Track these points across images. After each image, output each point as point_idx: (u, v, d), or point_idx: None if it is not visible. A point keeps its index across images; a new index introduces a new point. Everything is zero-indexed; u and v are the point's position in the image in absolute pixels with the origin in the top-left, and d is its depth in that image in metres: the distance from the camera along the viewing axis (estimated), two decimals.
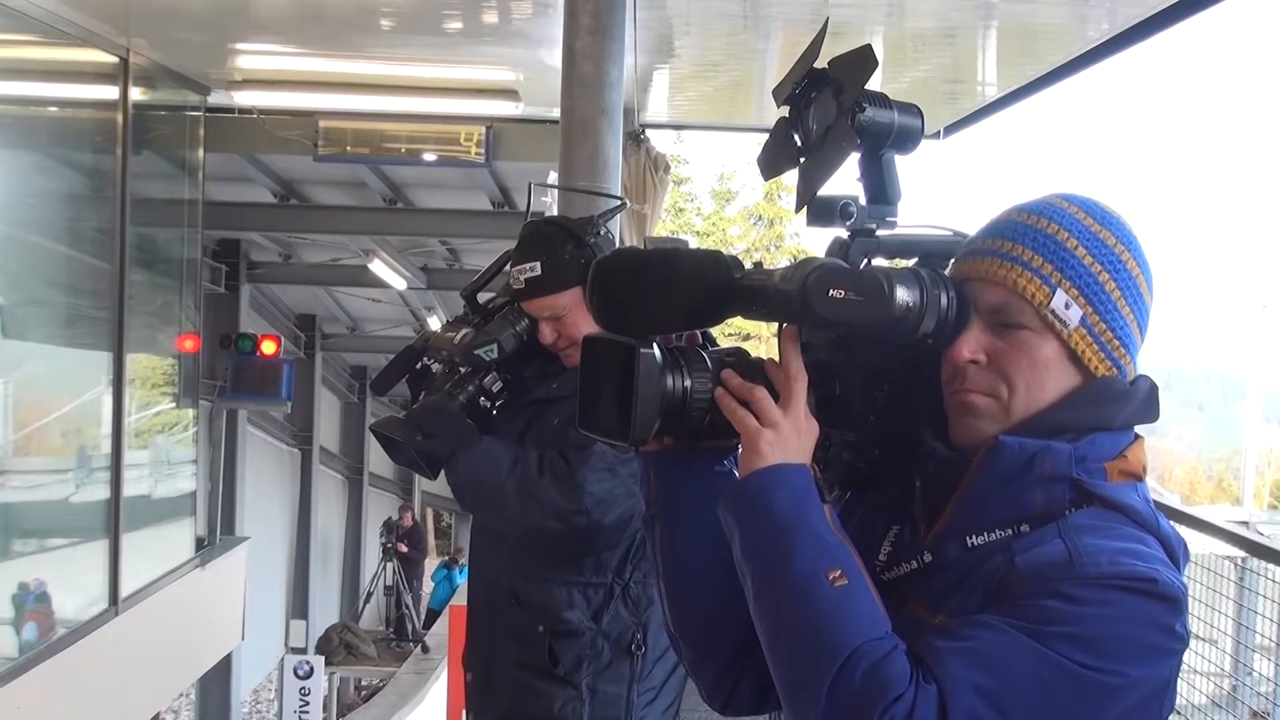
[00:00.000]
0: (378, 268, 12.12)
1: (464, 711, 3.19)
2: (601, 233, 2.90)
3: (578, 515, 2.72)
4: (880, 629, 1.39)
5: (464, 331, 2.90)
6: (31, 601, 7.28)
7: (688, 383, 1.50)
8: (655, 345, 1.49)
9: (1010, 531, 1.47)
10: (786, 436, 1.48)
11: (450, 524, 24.01)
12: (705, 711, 1.81)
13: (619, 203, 3.44)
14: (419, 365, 3.02)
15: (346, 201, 11.62)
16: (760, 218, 37.42)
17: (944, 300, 1.47)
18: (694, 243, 35.45)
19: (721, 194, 38.39)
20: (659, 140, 9.05)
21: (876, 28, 6.88)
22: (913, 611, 1.49)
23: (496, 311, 2.93)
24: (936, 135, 9.02)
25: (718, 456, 1.61)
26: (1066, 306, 1.48)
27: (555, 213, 4.36)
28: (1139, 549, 1.42)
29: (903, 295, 1.43)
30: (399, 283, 12.73)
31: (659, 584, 1.68)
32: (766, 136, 1.55)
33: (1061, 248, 1.49)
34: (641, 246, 2.96)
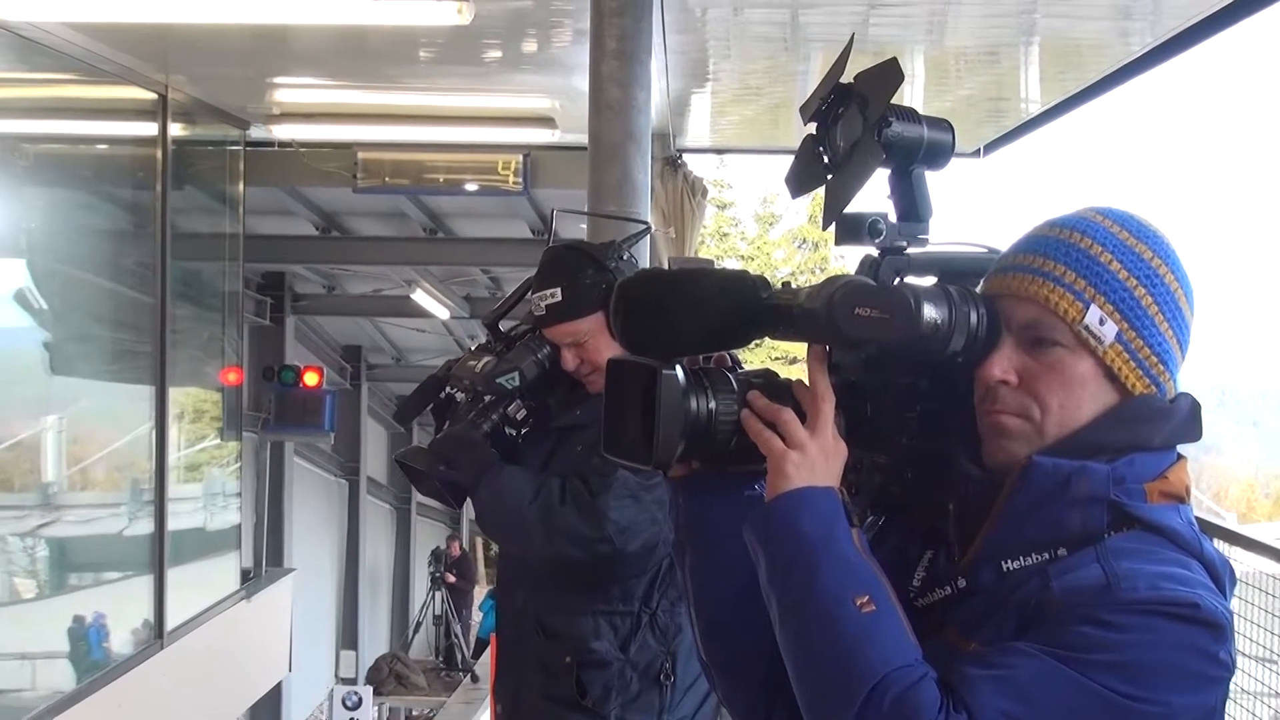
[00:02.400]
0: (420, 297, 12.15)
1: None
2: (624, 257, 2.87)
3: (601, 543, 2.69)
4: (909, 656, 1.35)
5: (486, 360, 2.88)
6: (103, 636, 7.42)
7: (713, 404, 1.47)
8: (679, 367, 1.46)
9: (1046, 555, 1.42)
10: (813, 459, 1.44)
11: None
12: None
13: (644, 227, 3.41)
14: (443, 394, 2.99)
15: (387, 232, 11.70)
16: (805, 241, 37.32)
17: (973, 317, 1.43)
18: (733, 265, 35.42)
19: (765, 218, 38.32)
20: (701, 165, 9.04)
21: (917, 47, 6.84)
22: (948, 639, 1.44)
23: (519, 339, 2.91)
24: (976, 154, 8.94)
25: (747, 480, 1.56)
26: (1101, 323, 1.43)
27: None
28: (1181, 573, 1.37)
29: (930, 313, 1.39)
30: (442, 312, 12.76)
31: (689, 610, 1.64)
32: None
33: (1095, 262, 1.44)
34: (666, 267, 2.93)
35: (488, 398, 2.87)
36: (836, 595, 1.37)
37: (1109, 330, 1.42)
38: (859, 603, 1.36)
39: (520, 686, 2.94)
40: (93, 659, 7.28)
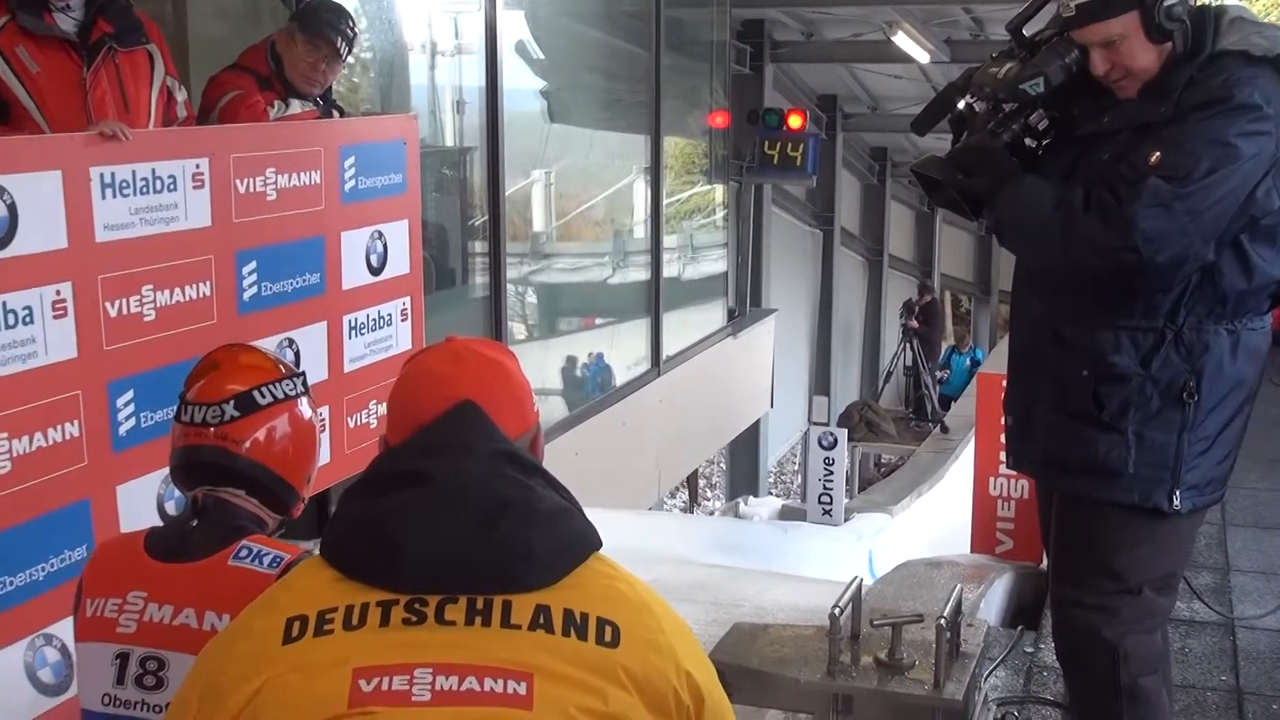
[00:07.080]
0: (900, 40, 11.85)
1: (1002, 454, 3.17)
2: None
3: (1126, 253, 2.55)
4: None
5: (1009, 65, 2.77)
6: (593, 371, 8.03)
7: None
8: None
9: None
10: None
11: (969, 310, 23.58)
12: None
13: None
14: (961, 104, 2.91)
15: None
16: None
17: None
18: None
19: None
20: None
21: None
22: None
23: (1044, 43, 2.77)
24: None
25: None
26: None
27: None
28: None
29: None
30: (922, 56, 12.41)
31: None
32: None
33: None
34: None
35: (1008, 106, 2.77)
36: None
37: None
38: None
39: (1033, 399, 2.89)
40: (586, 393, 7.85)
